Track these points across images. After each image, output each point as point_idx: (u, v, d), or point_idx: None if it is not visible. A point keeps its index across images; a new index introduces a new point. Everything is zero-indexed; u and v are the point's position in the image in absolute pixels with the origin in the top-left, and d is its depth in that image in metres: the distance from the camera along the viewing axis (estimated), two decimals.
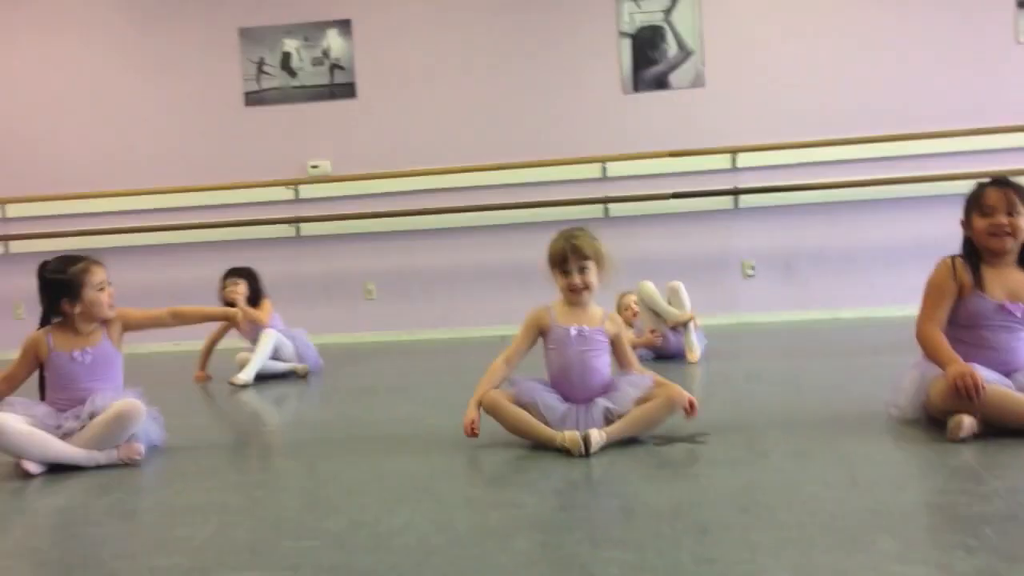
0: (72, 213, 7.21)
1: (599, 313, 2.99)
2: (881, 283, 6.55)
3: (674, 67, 6.93)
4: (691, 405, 2.79)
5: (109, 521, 2.33)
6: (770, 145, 6.73)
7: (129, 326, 3.20)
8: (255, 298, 5.15)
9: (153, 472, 2.84)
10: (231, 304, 5.08)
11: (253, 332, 5.06)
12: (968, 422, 2.56)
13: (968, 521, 1.90)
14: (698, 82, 6.91)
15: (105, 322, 3.13)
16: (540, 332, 2.99)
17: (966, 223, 2.89)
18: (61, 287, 3.04)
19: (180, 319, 3.29)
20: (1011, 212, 2.78)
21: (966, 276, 2.82)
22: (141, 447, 2.94)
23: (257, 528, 2.14)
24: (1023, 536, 1.79)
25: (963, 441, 2.54)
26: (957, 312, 2.82)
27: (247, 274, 5.21)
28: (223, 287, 5.14)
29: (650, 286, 4.80)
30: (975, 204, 2.86)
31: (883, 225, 6.67)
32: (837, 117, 6.72)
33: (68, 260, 3.10)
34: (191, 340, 5.66)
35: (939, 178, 6.34)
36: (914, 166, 6.51)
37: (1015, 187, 2.83)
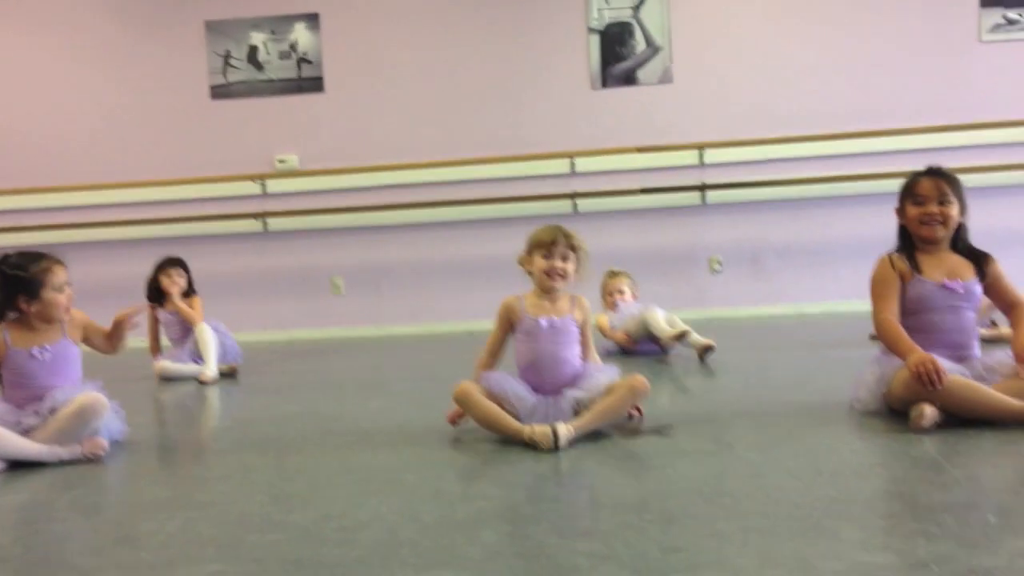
0: (35, 207, 7.12)
1: (567, 301, 3.00)
2: (847, 278, 6.62)
3: (642, 63, 6.95)
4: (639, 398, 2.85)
5: (72, 517, 2.30)
6: (737, 141, 6.78)
7: (84, 334, 3.18)
8: (187, 293, 5.08)
9: (116, 467, 2.81)
10: (162, 293, 5.00)
11: (181, 329, 5.01)
12: (930, 411, 2.60)
13: (929, 509, 1.93)
14: (666, 78, 6.94)
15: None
16: (511, 323, 2.99)
17: (900, 211, 2.97)
18: (20, 284, 2.99)
19: (111, 345, 3.26)
20: (942, 201, 2.88)
21: (903, 265, 2.91)
22: (105, 442, 2.91)
23: (222, 522, 2.12)
24: (982, 523, 1.82)
25: (926, 431, 2.58)
26: (903, 300, 2.88)
27: (184, 267, 5.13)
28: (157, 277, 5.05)
29: (659, 314, 4.76)
30: (908, 193, 2.96)
31: (849, 221, 6.74)
32: (803, 114, 6.78)
33: (30, 257, 3.04)
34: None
35: (904, 174, 6.33)
36: (879, 162, 6.59)
37: (947, 176, 2.92)
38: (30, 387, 2.98)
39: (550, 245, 2.92)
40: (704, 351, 4.49)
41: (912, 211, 2.92)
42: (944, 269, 2.89)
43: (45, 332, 3.06)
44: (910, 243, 2.96)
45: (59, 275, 3.04)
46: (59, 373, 3.03)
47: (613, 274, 5.14)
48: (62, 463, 2.82)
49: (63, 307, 3.06)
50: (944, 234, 2.90)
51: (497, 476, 2.44)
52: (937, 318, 2.84)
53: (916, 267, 2.89)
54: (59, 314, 3.06)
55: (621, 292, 5.07)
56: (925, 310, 2.86)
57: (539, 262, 2.95)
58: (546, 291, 2.98)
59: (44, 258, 3.06)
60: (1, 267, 3.02)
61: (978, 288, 2.88)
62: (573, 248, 2.94)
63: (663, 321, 4.72)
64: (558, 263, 2.92)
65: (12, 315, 3.04)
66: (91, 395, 2.92)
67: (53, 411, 2.89)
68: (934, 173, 2.94)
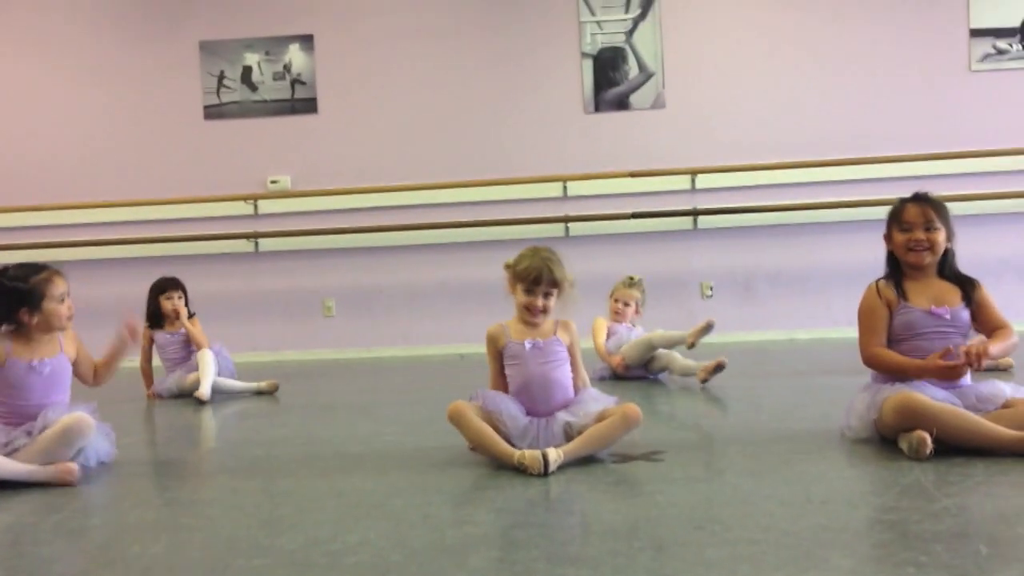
0: (27, 226, 7.11)
1: (551, 324, 2.99)
2: (838, 305, 6.65)
3: (635, 88, 7.00)
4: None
5: (57, 539, 2.27)
6: (729, 167, 6.82)
7: (77, 356, 3.15)
8: (188, 314, 5.05)
9: (103, 489, 2.78)
10: (162, 316, 4.98)
11: (182, 351, 4.97)
12: (929, 439, 2.59)
13: (919, 538, 1.92)
14: (658, 103, 6.99)
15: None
16: (498, 351, 2.98)
17: (888, 237, 2.98)
18: (21, 296, 2.97)
19: (98, 376, 3.24)
20: (928, 227, 2.89)
21: (890, 293, 2.92)
22: (74, 467, 2.81)
23: (209, 546, 2.10)
24: (972, 553, 1.82)
25: (926, 458, 2.57)
26: (891, 328, 2.90)
27: (183, 288, 5.10)
28: (157, 299, 5.01)
29: (676, 355, 4.72)
30: (895, 219, 2.97)
31: (840, 247, 6.77)
32: (795, 140, 6.83)
33: (30, 268, 3.03)
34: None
35: (894, 202, 6.44)
36: (870, 189, 6.63)
37: (933, 203, 2.93)
38: (24, 401, 2.95)
39: (532, 283, 2.90)
40: (714, 370, 4.44)
41: (899, 237, 2.93)
42: (930, 295, 2.90)
43: (45, 345, 3.04)
44: (898, 269, 2.97)
45: (59, 286, 3.03)
46: (56, 387, 3.02)
47: (630, 283, 5.05)
48: (45, 485, 2.79)
49: (64, 317, 3.04)
50: (931, 260, 2.91)
51: (487, 501, 2.42)
52: (926, 344, 2.84)
53: (903, 294, 2.90)
54: (61, 324, 3.04)
55: (627, 304, 5.00)
56: (912, 337, 2.86)
57: (520, 296, 2.94)
58: (526, 324, 2.97)
59: (43, 269, 3.05)
60: (1, 279, 2.99)
61: (965, 314, 2.88)
62: (556, 284, 2.92)
63: (680, 357, 4.67)
64: (539, 302, 2.91)
65: (10, 327, 3.01)
66: (77, 416, 2.89)
67: (43, 430, 2.86)
68: (920, 199, 2.95)
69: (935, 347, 2.82)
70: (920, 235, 2.88)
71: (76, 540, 2.28)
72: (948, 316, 2.85)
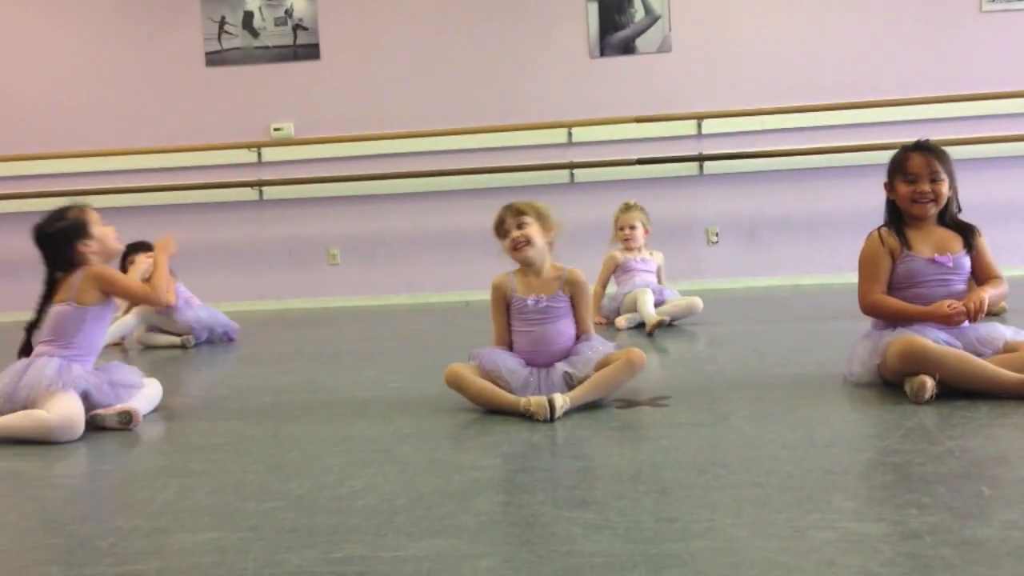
0: (28, 175, 7.09)
1: (555, 276, 2.98)
2: (843, 250, 6.59)
3: (641, 32, 6.91)
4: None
5: (67, 485, 2.31)
6: (735, 112, 6.75)
7: (102, 286, 3.06)
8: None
9: (112, 436, 2.80)
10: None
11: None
12: (930, 383, 2.61)
13: (921, 480, 1.93)
14: (664, 47, 6.90)
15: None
16: (505, 300, 2.99)
17: (889, 186, 2.94)
18: (72, 231, 2.99)
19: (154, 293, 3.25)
20: (933, 179, 2.84)
21: (893, 241, 2.89)
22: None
23: (218, 491, 2.13)
24: (975, 494, 1.83)
25: (926, 402, 2.59)
26: (893, 276, 2.88)
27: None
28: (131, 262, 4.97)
29: (645, 293, 4.69)
30: (898, 169, 2.92)
31: (846, 192, 6.73)
32: (802, 84, 6.75)
33: (60, 210, 3.06)
34: None
35: (900, 146, 6.39)
36: (877, 133, 6.56)
37: (937, 152, 2.89)
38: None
39: (500, 226, 2.95)
40: (656, 326, 4.42)
41: (903, 189, 2.88)
42: (933, 243, 2.88)
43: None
44: (899, 217, 2.94)
45: (93, 213, 3.08)
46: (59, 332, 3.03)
47: (627, 207, 5.04)
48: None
49: (114, 236, 3.10)
50: (935, 211, 2.89)
51: (492, 446, 2.44)
52: (927, 291, 2.84)
53: (905, 242, 2.88)
54: (115, 243, 3.10)
55: (632, 227, 4.98)
56: (915, 284, 2.85)
57: (504, 244, 2.97)
58: (524, 264, 2.97)
59: (70, 206, 3.08)
60: (44, 230, 3.02)
61: (966, 261, 2.88)
62: (520, 212, 2.93)
63: (647, 306, 4.62)
64: (515, 233, 2.92)
65: (62, 273, 3.01)
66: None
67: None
68: (924, 148, 2.90)
69: (936, 295, 2.81)
70: (925, 187, 2.84)
71: (86, 486, 2.31)
72: (951, 264, 2.85)
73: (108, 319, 3.12)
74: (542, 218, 2.96)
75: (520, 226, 2.92)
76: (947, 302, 2.74)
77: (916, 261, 2.85)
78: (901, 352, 2.69)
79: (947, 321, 2.74)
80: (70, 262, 3.01)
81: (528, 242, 2.92)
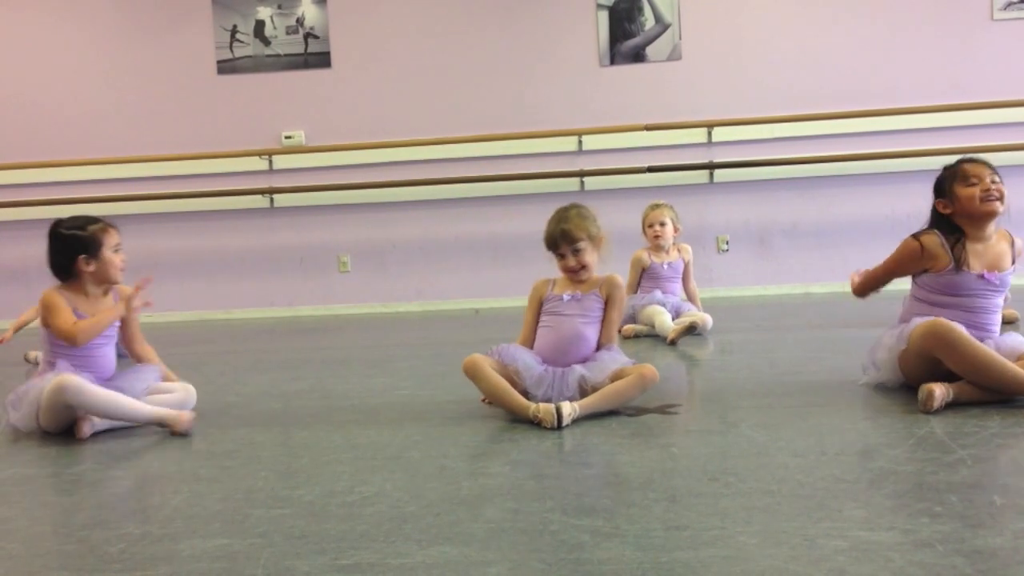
0: (40, 182, 7.13)
1: (595, 279, 3.03)
2: (854, 258, 6.54)
3: (651, 40, 6.91)
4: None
5: (78, 490, 2.31)
6: (746, 120, 6.75)
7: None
8: None
9: (123, 442, 2.81)
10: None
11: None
12: (940, 392, 2.60)
13: (933, 489, 1.92)
14: (675, 55, 6.90)
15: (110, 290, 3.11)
16: (540, 302, 3.03)
17: (948, 200, 2.91)
18: (80, 244, 2.99)
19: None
20: (994, 180, 2.87)
21: (941, 253, 2.87)
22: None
23: (228, 497, 2.13)
24: (987, 504, 1.82)
25: (935, 412, 2.57)
26: (940, 283, 2.89)
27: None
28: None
29: (661, 313, 4.65)
30: (956, 178, 2.91)
31: (857, 200, 6.72)
32: (812, 92, 6.74)
33: (86, 219, 3.07)
34: (163, 311, 5.60)
35: (913, 154, 6.39)
36: (889, 141, 6.55)
37: (985, 160, 2.94)
38: (90, 354, 2.99)
39: (554, 247, 3.00)
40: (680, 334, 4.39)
41: (967, 192, 2.86)
42: (988, 258, 2.89)
43: (97, 302, 3.06)
44: (956, 230, 2.90)
45: (114, 236, 3.06)
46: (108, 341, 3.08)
47: (655, 206, 4.99)
48: (68, 437, 2.83)
49: (119, 268, 3.06)
50: (1003, 209, 2.89)
51: (501, 453, 2.44)
52: (968, 302, 2.87)
53: (963, 258, 2.86)
54: (115, 275, 3.06)
55: (663, 223, 4.91)
56: (959, 295, 2.87)
57: (557, 261, 3.03)
58: (575, 284, 3.04)
59: (99, 220, 3.08)
60: (58, 230, 3.03)
61: (1010, 277, 2.92)
62: (574, 239, 2.95)
63: (664, 318, 4.59)
64: (571, 263, 2.98)
65: (65, 280, 3.03)
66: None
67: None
68: (975, 160, 2.94)
69: (976, 303, 2.85)
70: (990, 184, 2.86)
71: (96, 491, 2.32)
72: (997, 282, 2.88)
73: (106, 336, 3.07)
74: (594, 239, 3.00)
75: (576, 252, 2.96)
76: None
77: (967, 276, 2.86)
78: (925, 332, 2.71)
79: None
80: (66, 271, 3.02)
81: (584, 268, 2.99)
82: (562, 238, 2.96)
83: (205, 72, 7.18)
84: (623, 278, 4.87)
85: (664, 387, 3.22)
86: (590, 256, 2.98)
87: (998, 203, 2.86)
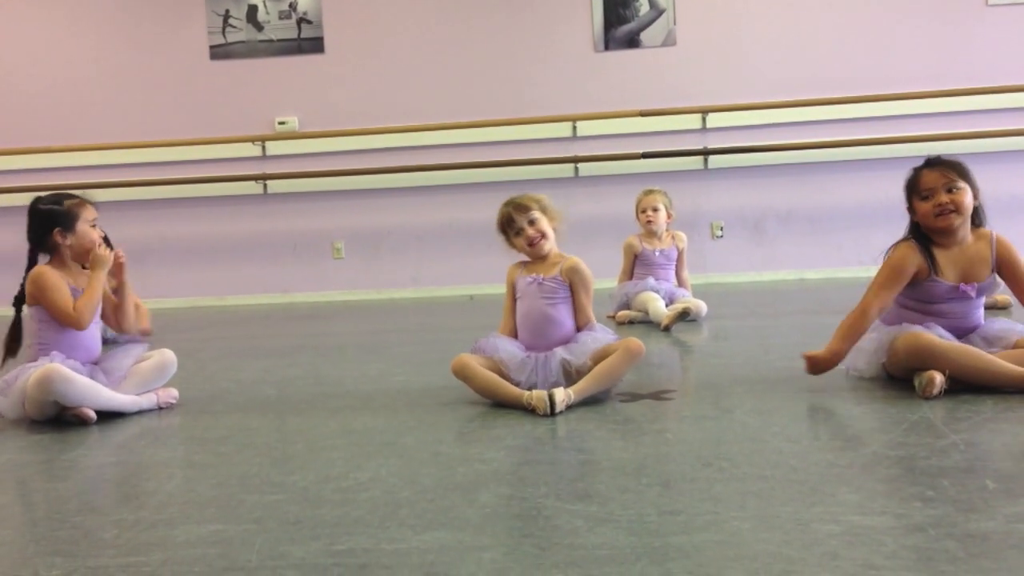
0: (32, 168, 7.09)
1: (557, 263, 3.01)
2: (848, 245, 6.61)
3: (645, 26, 6.89)
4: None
5: (72, 477, 2.31)
6: (740, 105, 6.74)
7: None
8: None
9: (117, 428, 2.81)
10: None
11: None
12: (939, 379, 2.60)
13: (926, 473, 1.93)
14: (669, 41, 6.89)
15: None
16: (512, 286, 3.03)
17: (910, 209, 2.89)
18: (55, 217, 3.00)
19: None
20: (950, 189, 2.77)
21: (920, 260, 2.81)
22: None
23: (222, 483, 2.13)
24: (979, 487, 1.83)
25: (935, 397, 2.58)
26: (914, 292, 2.85)
27: None
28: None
29: (655, 299, 4.64)
30: (913, 189, 2.86)
31: (851, 187, 6.72)
32: (807, 78, 6.73)
33: (61, 194, 3.09)
34: (157, 297, 5.59)
35: (907, 140, 6.39)
36: (883, 127, 6.55)
37: (950, 164, 2.83)
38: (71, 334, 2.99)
39: (509, 224, 2.99)
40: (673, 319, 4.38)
41: (922, 206, 2.81)
42: (961, 267, 2.82)
43: (81, 276, 3.05)
44: (925, 238, 2.86)
45: (91, 211, 3.08)
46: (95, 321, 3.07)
47: (648, 192, 4.97)
48: (55, 423, 2.83)
49: (96, 242, 3.05)
50: (960, 222, 2.80)
51: (495, 439, 2.44)
52: (946, 309, 2.83)
53: (934, 266, 2.80)
54: (93, 247, 3.05)
55: (655, 209, 4.88)
56: (936, 303, 2.84)
57: (517, 243, 3.01)
58: (539, 257, 3.02)
59: (75, 196, 3.10)
60: (36, 206, 3.05)
61: (991, 283, 2.84)
62: (526, 208, 2.97)
63: (657, 304, 4.58)
64: (530, 231, 2.96)
65: (44, 256, 3.04)
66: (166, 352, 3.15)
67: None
68: (934, 163, 2.84)
69: (955, 311, 2.82)
70: (943, 198, 2.76)
71: (91, 477, 2.32)
72: (973, 293, 2.82)
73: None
74: (546, 209, 3.01)
75: (532, 222, 2.95)
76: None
77: (940, 287, 2.81)
78: (908, 347, 2.69)
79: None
80: (44, 245, 3.04)
81: (543, 236, 2.98)
82: (516, 210, 2.97)
83: (198, 58, 7.14)
84: (617, 265, 4.94)
85: (658, 373, 3.22)
86: (546, 225, 2.98)
87: (953, 216, 2.77)
